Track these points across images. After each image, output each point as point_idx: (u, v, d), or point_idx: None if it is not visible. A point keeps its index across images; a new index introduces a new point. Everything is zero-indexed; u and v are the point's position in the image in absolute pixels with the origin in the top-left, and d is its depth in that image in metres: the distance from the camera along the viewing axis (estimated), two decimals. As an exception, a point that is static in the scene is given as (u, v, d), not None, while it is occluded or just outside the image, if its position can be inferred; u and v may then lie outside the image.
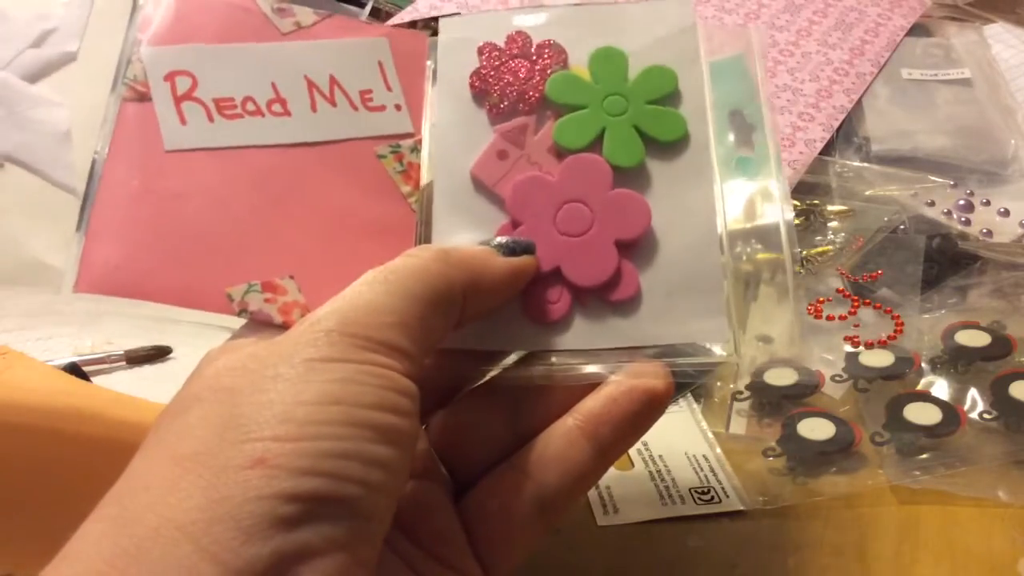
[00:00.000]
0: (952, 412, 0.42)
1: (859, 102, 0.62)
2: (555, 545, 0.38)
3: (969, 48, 0.68)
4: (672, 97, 0.33)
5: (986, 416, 0.42)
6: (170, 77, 0.32)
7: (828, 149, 0.59)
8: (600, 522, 0.39)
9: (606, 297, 0.30)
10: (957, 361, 0.45)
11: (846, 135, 0.61)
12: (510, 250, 0.29)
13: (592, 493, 0.40)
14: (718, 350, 0.30)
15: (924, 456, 0.41)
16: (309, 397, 0.22)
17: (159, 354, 0.48)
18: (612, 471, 0.41)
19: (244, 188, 0.31)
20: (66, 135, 0.55)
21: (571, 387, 0.30)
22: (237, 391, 0.23)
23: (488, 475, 0.29)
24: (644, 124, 0.32)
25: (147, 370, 0.48)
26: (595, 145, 0.32)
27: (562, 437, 0.29)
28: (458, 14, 0.68)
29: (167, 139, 0.31)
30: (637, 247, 0.31)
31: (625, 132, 0.32)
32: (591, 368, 0.30)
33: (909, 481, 0.40)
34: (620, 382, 0.29)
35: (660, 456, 0.42)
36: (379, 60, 0.35)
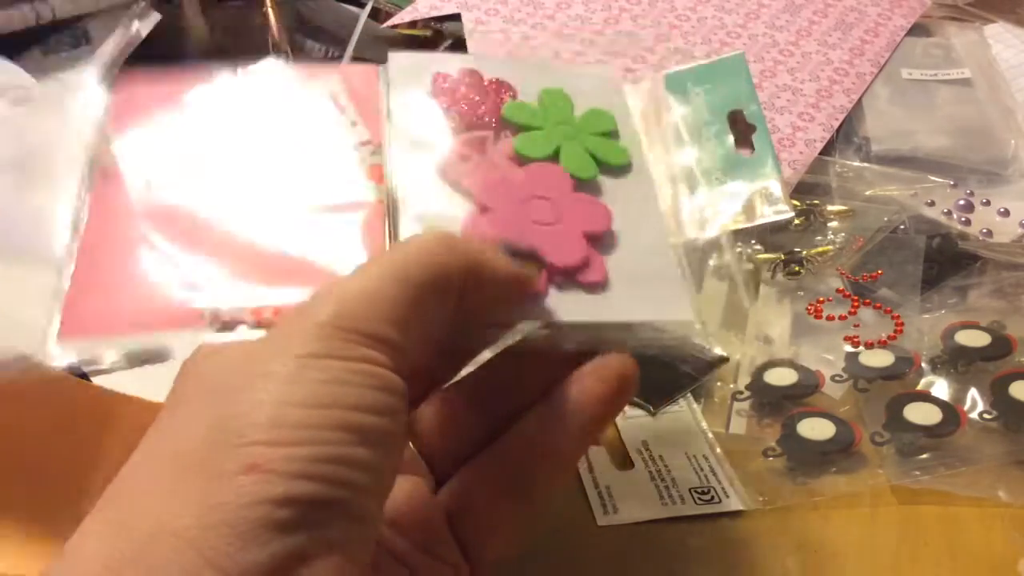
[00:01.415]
0: (952, 412, 0.42)
1: (859, 102, 0.62)
2: (555, 545, 0.38)
3: (969, 48, 0.68)
4: (612, 135, 0.35)
5: (986, 416, 0.42)
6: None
7: (828, 149, 0.59)
8: (600, 522, 0.39)
9: (578, 279, 0.31)
10: (957, 361, 0.45)
11: (846, 135, 0.61)
12: (514, 254, 0.29)
13: (592, 493, 0.40)
14: (695, 322, 0.31)
15: (924, 456, 0.41)
16: (300, 399, 0.22)
17: (159, 354, 0.48)
18: (612, 471, 0.41)
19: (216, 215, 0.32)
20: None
21: (543, 376, 0.30)
22: (228, 390, 0.22)
23: (468, 464, 0.30)
24: (593, 149, 0.34)
25: (147, 370, 0.48)
26: (553, 159, 0.33)
27: (539, 424, 0.29)
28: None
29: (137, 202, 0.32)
30: (600, 243, 0.32)
31: (579, 150, 0.34)
32: (565, 344, 0.30)
33: (909, 481, 0.40)
34: (590, 369, 0.29)
35: (660, 456, 0.42)
36: (331, 91, 0.35)
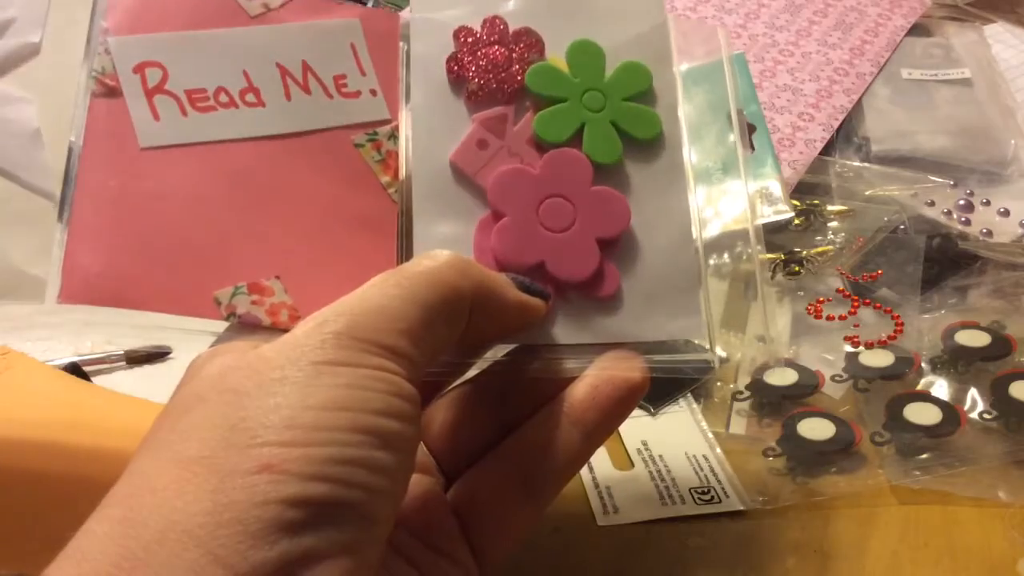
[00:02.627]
0: (952, 412, 0.42)
1: (859, 102, 0.62)
2: (555, 545, 0.38)
3: (969, 48, 0.68)
4: (647, 95, 0.34)
5: (986, 416, 0.42)
6: (139, 69, 0.31)
7: (828, 149, 0.59)
8: (600, 522, 0.39)
9: (588, 294, 0.31)
10: (957, 361, 0.45)
11: (846, 135, 0.61)
12: (525, 288, 0.29)
13: (592, 493, 0.40)
14: (706, 345, 0.31)
15: (924, 456, 0.41)
16: (316, 402, 0.22)
17: (159, 354, 0.48)
18: (612, 471, 0.41)
19: (223, 187, 0.31)
20: (36, 134, 0.52)
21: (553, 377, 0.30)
22: (243, 392, 0.23)
23: (477, 465, 0.30)
24: (621, 121, 0.33)
25: (147, 370, 0.48)
26: (575, 139, 0.32)
27: (549, 424, 0.29)
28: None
29: (141, 136, 0.30)
30: (617, 245, 0.32)
31: (604, 129, 0.32)
32: (573, 364, 0.30)
33: (909, 481, 0.40)
34: (600, 372, 0.30)
35: (660, 456, 0.42)
36: (351, 43, 0.33)
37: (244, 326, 0.29)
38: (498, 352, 0.30)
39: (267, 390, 0.22)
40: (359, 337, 0.24)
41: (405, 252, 0.32)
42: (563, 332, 0.30)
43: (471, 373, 0.31)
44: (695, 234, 0.32)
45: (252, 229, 0.31)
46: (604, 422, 0.30)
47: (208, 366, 0.24)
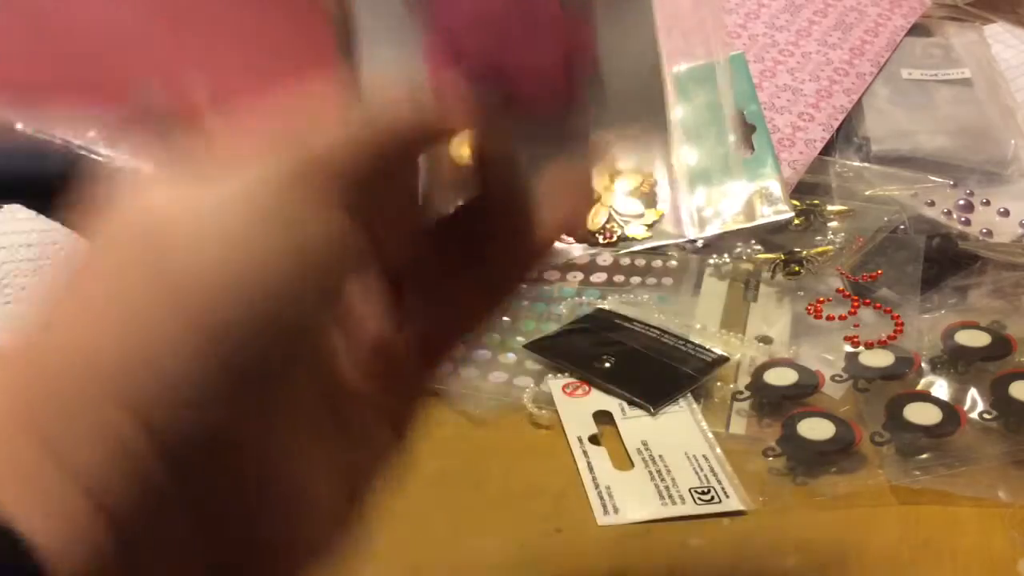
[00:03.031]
0: (952, 412, 0.42)
1: (859, 102, 0.62)
2: (555, 545, 0.38)
3: (969, 48, 0.68)
4: None
5: (986, 416, 0.42)
6: None
7: (828, 149, 0.59)
8: (600, 522, 0.39)
9: (553, 108, 0.29)
10: (957, 361, 0.45)
11: (846, 135, 0.61)
12: (483, 95, 0.26)
13: (592, 493, 0.40)
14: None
15: (924, 456, 0.41)
16: (255, 254, 0.20)
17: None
18: (612, 471, 0.41)
19: None
20: None
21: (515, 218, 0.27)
22: (172, 243, 0.20)
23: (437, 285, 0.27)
24: None
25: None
26: None
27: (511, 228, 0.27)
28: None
29: None
30: (582, 68, 0.30)
31: None
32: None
33: (909, 481, 0.40)
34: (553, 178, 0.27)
35: (660, 456, 0.42)
36: None
37: (165, 125, 0.26)
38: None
39: (199, 238, 0.20)
40: (301, 181, 0.21)
41: (347, 62, 0.29)
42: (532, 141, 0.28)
43: None
44: (662, 57, 0.31)
45: (173, 20, 0.27)
46: (561, 220, 0.27)
47: (137, 201, 0.21)
